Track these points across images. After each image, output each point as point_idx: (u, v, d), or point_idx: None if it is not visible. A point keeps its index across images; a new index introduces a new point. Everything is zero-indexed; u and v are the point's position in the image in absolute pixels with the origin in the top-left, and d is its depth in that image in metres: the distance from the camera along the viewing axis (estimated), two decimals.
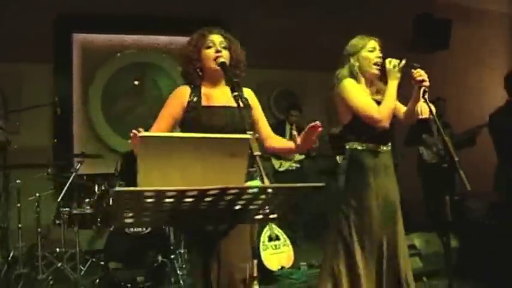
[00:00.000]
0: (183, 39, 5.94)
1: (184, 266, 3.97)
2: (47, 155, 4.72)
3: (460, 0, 6.40)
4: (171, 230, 3.89)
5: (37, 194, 3.82)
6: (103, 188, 3.85)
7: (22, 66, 4.85)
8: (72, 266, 3.81)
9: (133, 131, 1.53)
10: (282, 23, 5.58)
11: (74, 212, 3.75)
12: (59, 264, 3.74)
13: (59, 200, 3.74)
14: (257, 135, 1.81)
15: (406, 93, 2.38)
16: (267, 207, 1.26)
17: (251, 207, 1.23)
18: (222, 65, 1.96)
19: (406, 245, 2.43)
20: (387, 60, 2.30)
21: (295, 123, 5.18)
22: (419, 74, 2.19)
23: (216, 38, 2.05)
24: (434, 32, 5.97)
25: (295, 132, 1.96)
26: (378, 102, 2.31)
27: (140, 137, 1.06)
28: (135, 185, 3.51)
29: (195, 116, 1.96)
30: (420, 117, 2.25)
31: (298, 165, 5.30)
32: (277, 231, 3.94)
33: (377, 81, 2.42)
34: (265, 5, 5.66)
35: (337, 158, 5.11)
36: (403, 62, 2.26)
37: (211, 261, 1.29)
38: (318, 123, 1.85)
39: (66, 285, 3.66)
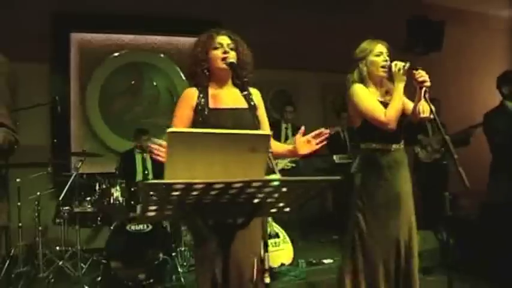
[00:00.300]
0: (180, 39, 6.04)
1: (185, 263, 4.01)
2: (44, 154, 4.72)
3: (453, 2, 6.52)
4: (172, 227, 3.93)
5: (38, 193, 3.83)
6: (104, 186, 3.88)
7: (19, 65, 4.81)
8: (73, 264, 3.83)
9: (153, 145, 1.62)
10: (278, 24, 5.64)
11: (76, 210, 3.77)
12: (60, 263, 3.75)
13: (60, 198, 3.76)
14: None
15: (410, 92, 2.46)
16: (283, 200, 1.31)
17: (268, 200, 1.28)
18: (231, 64, 2.00)
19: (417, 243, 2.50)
20: (393, 64, 2.39)
21: (290, 121, 5.26)
22: (421, 74, 2.28)
23: (224, 40, 2.08)
24: (428, 33, 6.08)
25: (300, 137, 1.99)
26: (387, 104, 2.40)
27: (168, 132, 1.10)
28: (134, 184, 3.49)
29: (204, 118, 1.99)
30: (421, 116, 2.33)
31: (293, 165, 5.34)
32: (277, 228, 3.99)
33: (386, 82, 2.50)
34: (262, 6, 5.72)
35: (334, 157, 5.21)
36: (408, 64, 2.34)
37: (228, 254, 1.32)
38: (325, 130, 1.91)
39: (66, 283, 3.68)
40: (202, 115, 1.99)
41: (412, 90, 2.38)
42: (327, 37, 5.81)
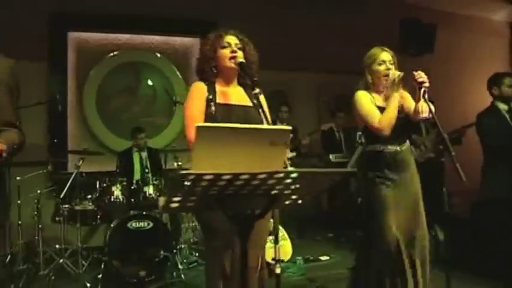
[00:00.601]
0: (177, 39, 6.07)
1: (185, 260, 4.06)
2: (42, 152, 4.73)
3: (445, 6, 6.67)
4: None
5: (38, 191, 3.85)
6: (104, 184, 3.91)
7: (17, 64, 4.83)
8: (73, 262, 3.85)
9: None
10: (274, 25, 5.72)
11: (76, 208, 3.80)
12: (61, 260, 3.77)
13: (61, 196, 3.78)
14: None
15: (410, 93, 2.56)
16: (298, 192, 1.38)
17: (286, 192, 1.35)
18: (241, 64, 2.07)
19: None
20: (391, 73, 2.48)
21: (285, 121, 5.32)
22: (420, 75, 2.38)
23: (232, 39, 2.17)
24: (421, 36, 6.22)
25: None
26: None
27: (197, 127, 1.16)
28: (133, 182, 3.52)
29: (212, 112, 2.04)
30: (420, 115, 2.42)
31: (289, 163, 5.41)
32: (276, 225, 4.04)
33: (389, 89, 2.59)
34: (258, 8, 5.79)
35: (330, 156, 5.29)
36: (401, 74, 2.45)
37: (246, 244, 1.39)
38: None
39: (67, 280, 3.70)
40: (212, 109, 2.04)
41: (412, 91, 2.48)
42: (323, 39, 5.90)
